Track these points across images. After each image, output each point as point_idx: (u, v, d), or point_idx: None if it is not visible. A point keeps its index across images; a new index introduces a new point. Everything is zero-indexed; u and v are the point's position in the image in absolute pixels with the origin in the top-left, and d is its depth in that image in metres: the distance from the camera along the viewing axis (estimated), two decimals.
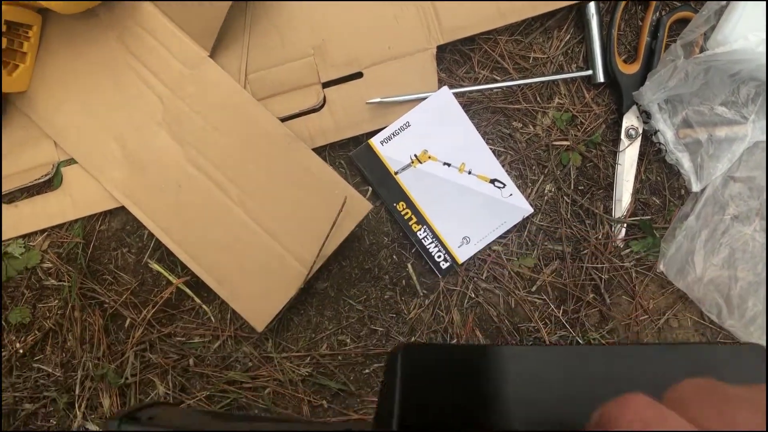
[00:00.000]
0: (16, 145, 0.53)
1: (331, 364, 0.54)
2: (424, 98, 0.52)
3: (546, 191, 0.55)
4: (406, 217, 0.53)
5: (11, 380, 0.55)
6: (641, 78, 0.52)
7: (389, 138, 0.52)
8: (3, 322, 0.55)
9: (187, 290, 0.54)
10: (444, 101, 0.52)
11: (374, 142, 0.52)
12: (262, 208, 0.51)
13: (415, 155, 0.52)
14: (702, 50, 0.49)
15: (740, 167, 0.52)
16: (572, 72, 0.54)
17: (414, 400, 0.20)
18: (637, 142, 0.54)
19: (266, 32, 0.52)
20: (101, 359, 0.54)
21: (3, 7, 0.46)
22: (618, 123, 0.54)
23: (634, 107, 0.53)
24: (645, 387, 0.19)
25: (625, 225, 0.54)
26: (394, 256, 0.55)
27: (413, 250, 0.54)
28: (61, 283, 0.55)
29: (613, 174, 0.54)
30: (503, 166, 0.53)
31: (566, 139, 0.54)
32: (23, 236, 0.54)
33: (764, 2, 0.46)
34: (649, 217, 0.54)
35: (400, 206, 0.53)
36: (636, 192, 0.54)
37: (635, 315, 0.54)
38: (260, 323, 0.50)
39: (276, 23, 0.52)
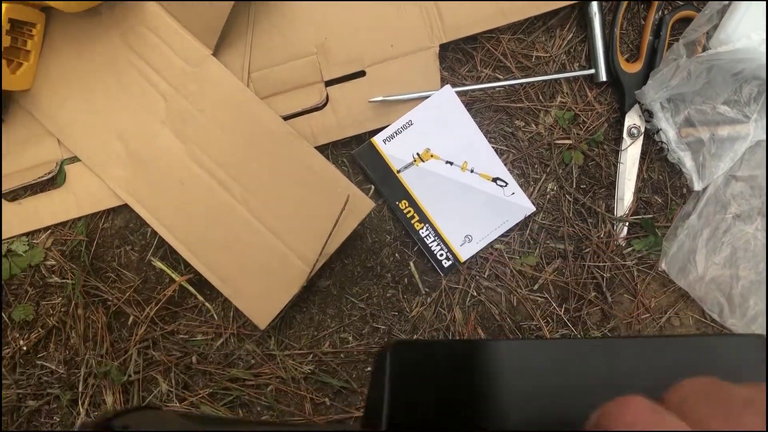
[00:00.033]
0: (20, 143, 0.54)
1: (333, 361, 0.54)
2: (426, 97, 0.52)
3: (548, 190, 0.55)
4: (408, 216, 0.53)
5: (15, 377, 0.55)
6: (644, 77, 0.52)
7: (392, 136, 0.52)
8: (7, 320, 0.55)
9: (190, 288, 0.54)
10: (446, 100, 0.52)
11: (377, 140, 0.52)
12: (265, 206, 0.51)
13: (418, 154, 0.52)
14: (704, 49, 0.49)
15: (742, 166, 0.52)
16: (575, 71, 0.54)
17: (404, 399, 0.19)
18: (640, 141, 0.54)
19: (269, 31, 0.52)
20: (104, 356, 0.54)
21: (7, 5, 0.46)
22: (620, 122, 0.54)
23: (637, 106, 0.53)
24: (645, 380, 0.19)
25: (627, 224, 0.54)
26: (397, 255, 0.55)
27: (415, 249, 0.55)
28: (64, 280, 0.55)
29: (615, 173, 0.54)
30: (505, 164, 0.53)
31: (568, 138, 0.54)
32: (27, 234, 0.55)
33: (765, 2, 0.46)
34: (651, 215, 0.55)
35: (403, 204, 0.53)
36: (638, 191, 0.54)
37: (637, 313, 0.54)
38: (263, 321, 0.51)
39: (279, 22, 0.52)
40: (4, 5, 0.46)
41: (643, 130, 0.53)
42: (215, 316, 0.55)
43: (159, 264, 0.54)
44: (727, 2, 0.48)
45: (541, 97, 0.54)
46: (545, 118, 0.55)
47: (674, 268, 0.53)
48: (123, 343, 0.55)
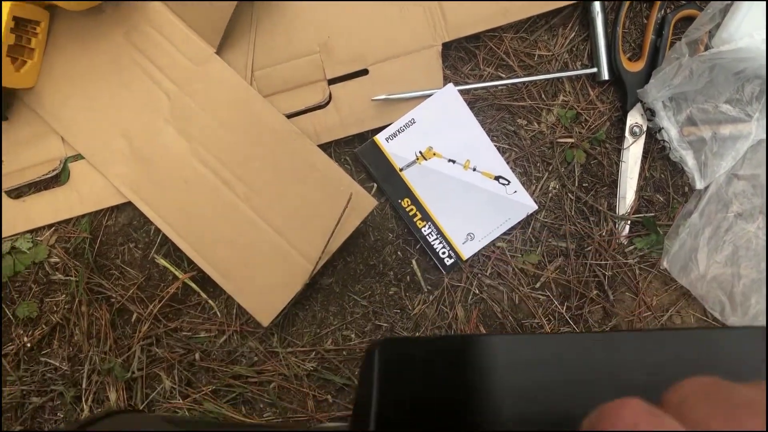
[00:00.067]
0: (24, 141, 0.54)
1: (335, 359, 0.55)
2: (429, 95, 0.52)
3: (550, 188, 0.55)
4: (410, 214, 0.53)
5: (19, 374, 0.55)
6: (646, 76, 0.52)
7: (394, 135, 0.52)
8: (11, 316, 0.55)
9: (194, 285, 0.54)
10: (449, 98, 0.52)
11: (379, 138, 0.52)
12: (268, 204, 0.51)
13: (420, 152, 0.52)
14: (707, 48, 0.49)
15: (744, 165, 0.52)
16: (577, 69, 0.54)
17: (393, 397, 0.19)
18: (642, 140, 0.54)
19: (272, 29, 0.52)
20: (108, 353, 0.55)
21: (12, 3, 0.46)
22: (622, 120, 0.54)
23: (639, 105, 0.53)
24: (645, 375, 0.19)
25: (628, 222, 0.54)
26: (399, 253, 0.55)
27: (418, 247, 0.55)
28: (68, 277, 0.55)
29: (617, 171, 0.55)
30: (508, 163, 0.53)
31: (571, 137, 0.54)
32: (31, 231, 0.55)
33: (766, 1, 0.46)
34: (652, 214, 0.55)
35: (405, 203, 0.53)
36: (640, 189, 0.55)
37: (638, 312, 0.55)
38: (266, 318, 0.51)
39: (282, 20, 0.52)
40: (8, 3, 0.46)
41: (645, 128, 0.54)
42: (218, 313, 0.55)
43: (162, 261, 0.54)
44: (729, 1, 0.48)
45: (543, 96, 0.55)
46: (547, 116, 0.55)
47: (676, 266, 0.53)
48: (126, 340, 0.55)
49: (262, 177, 0.51)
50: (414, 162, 0.53)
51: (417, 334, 0.55)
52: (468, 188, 0.53)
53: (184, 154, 0.51)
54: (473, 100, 0.54)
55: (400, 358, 0.20)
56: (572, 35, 0.55)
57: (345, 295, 0.55)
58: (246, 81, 0.51)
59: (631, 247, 0.55)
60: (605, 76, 0.53)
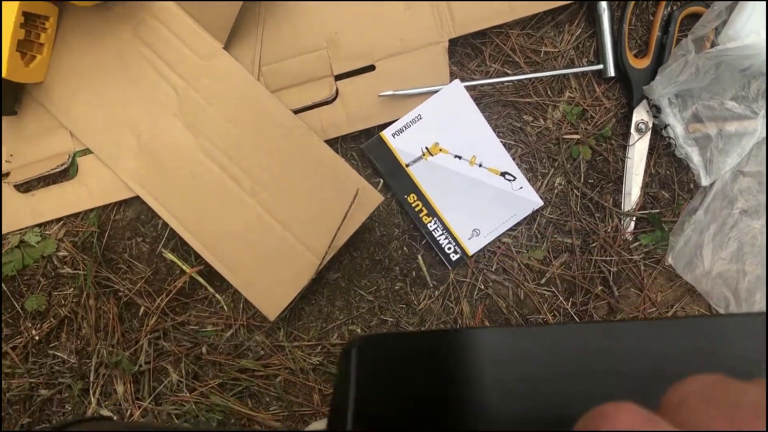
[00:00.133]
0: (33, 136, 0.54)
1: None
2: (435, 91, 0.52)
3: (556, 184, 0.55)
4: (416, 209, 0.53)
5: (27, 366, 0.56)
6: (652, 72, 0.52)
7: (401, 130, 0.52)
8: (19, 309, 0.56)
9: (201, 279, 0.54)
10: (455, 94, 0.52)
11: (386, 134, 0.53)
12: (275, 199, 0.51)
13: (427, 148, 0.53)
14: (713, 45, 0.49)
15: (750, 162, 0.52)
16: (583, 66, 0.54)
17: (372, 397, 0.18)
18: (647, 136, 0.54)
19: (280, 25, 0.52)
20: (115, 347, 0.55)
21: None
22: (628, 117, 0.54)
23: (645, 101, 0.53)
24: (645, 366, 0.18)
25: (634, 218, 0.55)
26: (405, 248, 0.55)
27: (423, 242, 0.55)
28: (76, 271, 0.55)
29: (623, 168, 0.55)
30: (514, 159, 0.53)
31: (576, 133, 0.55)
32: (39, 225, 0.55)
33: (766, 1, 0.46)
34: (658, 210, 0.55)
35: (411, 198, 0.53)
36: (645, 186, 0.55)
37: (643, 308, 0.55)
38: (272, 312, 0.51)
39: (289, 16, 0.52)
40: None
41: (650, 125, 0.54)
42: (225, 307, 0.55)
43: (170, 255, 0.55)
44: None
45: (549, 92, 0.55)
46: (553, 113, 0.55)
47: (681, 262, 0.54)
48: (134, 334, 0.56)
49: (269, 172, 0.51)
50: (420, 158, 0.53)
51: (422, 329, 0.55)
52: (474, 184, 0.53)
53: (192, 149, 0.52)
54: (479, 96, 0.54)
55: (380, 356, 0.19)
56: (578, 32, 0.55)
57: (351, 290, 0.55)
58: (253, 76, 0.52)
59: (636, 244, 0.55)
60: (611, 72, 0.53)
